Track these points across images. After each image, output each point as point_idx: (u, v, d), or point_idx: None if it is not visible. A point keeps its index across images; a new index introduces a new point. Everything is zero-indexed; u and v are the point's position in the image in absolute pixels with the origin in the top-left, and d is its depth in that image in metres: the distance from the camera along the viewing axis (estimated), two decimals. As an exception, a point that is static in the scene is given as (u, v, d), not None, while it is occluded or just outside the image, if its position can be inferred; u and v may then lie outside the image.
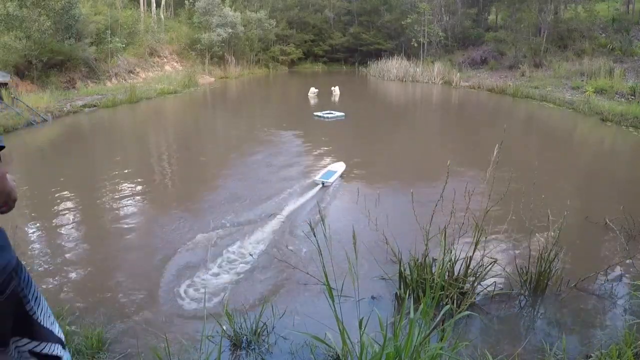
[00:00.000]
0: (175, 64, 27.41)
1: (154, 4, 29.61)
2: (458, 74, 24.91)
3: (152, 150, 10.94)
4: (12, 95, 13.60)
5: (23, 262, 1.50)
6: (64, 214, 6.14)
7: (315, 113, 14.70)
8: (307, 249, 4.82)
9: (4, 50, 15.89)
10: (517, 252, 4.95)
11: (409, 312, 2.91)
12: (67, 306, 3.79)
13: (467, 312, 3.26)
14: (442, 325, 3.17)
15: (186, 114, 17.53)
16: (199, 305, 3.94)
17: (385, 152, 10.01)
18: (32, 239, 5.35)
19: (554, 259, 4.12)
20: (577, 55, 21.67)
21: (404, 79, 27.83)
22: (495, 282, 4.23)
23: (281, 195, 6.96)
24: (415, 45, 30.13)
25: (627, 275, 4.55)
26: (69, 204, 6.54)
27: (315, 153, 9.74)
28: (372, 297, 4.10)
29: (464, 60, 27.61)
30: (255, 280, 4.46)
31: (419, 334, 2.71)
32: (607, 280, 4.42)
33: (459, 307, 3.62)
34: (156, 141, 12.28)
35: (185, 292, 4.26)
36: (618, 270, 4.59)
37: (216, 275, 4.51)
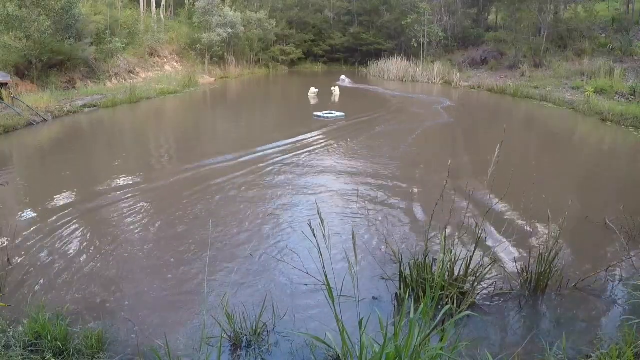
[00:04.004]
0: (175, 64, 27.40)
1: (154, 4, 29.60)
2: (458, 74, 24.91)
3: (152, 150, 10.94)
4: (12, 95, 13.58)
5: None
6: (64, 214, 6.13)
7: (315, 113, 14.70)
8: (307, 249, 4.82)
9: (4, 50, 15.87)
10: (517, 252, 4.95)
11: (409, 312, 2.91)
12: (67, 306, 3.79)
13: (467, 312, 3.27)
14: (442, 325, 3.17)
15: (186, 114, 17.53)
16: (199, 305, 3.94)
17: (385, 151, 10.00)
18: (31, 238, 5.34)
19: (554, 259, 4.12)
20: (577, 55, 21.68)
21: (404, 79, 27.84)
22: (495, 282, 4.23)
23: (280, 195, 6.98)
24: (415, 45, 30.13)
25: (627, 275, 4.55)
26: (69, 204, 6.54)
27: (313, 153, 9.75)
28: (373, 298, 4.09)
29: (464, 60, 27.62)
30: (255, 280, 4.46)
31: (419, 334, 2.71)
32: (607, 280, 4.42)
33: (459, 307, 3.62)
34: (156, 141, 12.28)
35: (185, 292, 4.26)
36: (618, 270, 4.59)
37: (216, 275, 4.51)
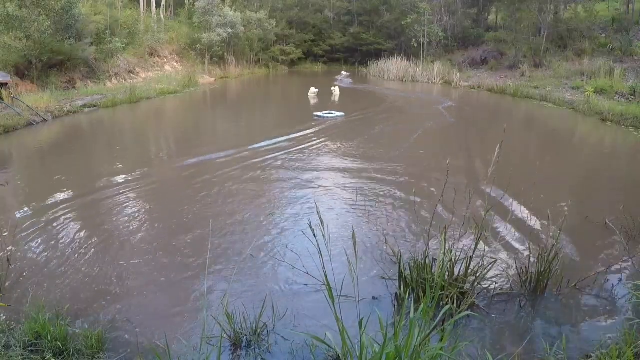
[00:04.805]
0: (175, 64, 27.39)
1: (154, 4, 29.60)
2: (458, 74, 24.91)
3: (152, 150, 10.94)
4: (12, 95, 13.58)
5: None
6: (64, 214, 6.14)
7: (315, 113, 14.71)
8: (307, 248, 4.82)
9: (4, 50, 15.87)
10: (517, 252, 4.95)
11: (409, 312, 2.91)
12: (67, 306, 3.79)
13: (467, 312, 3.27)
14: (442, 325, 3.17)
15: (186, 114, 17.53)
16: (199, 305, 3.94)
17: (386, 151, 10.00)
18: (32, 239, 5.35)
19: (554, 259, 4.12)
20: (577, 55, 21.68)
21: (404, 79, 27.84)
22: (495, 282, 4.23)
23: (278, 195, 6.98)
24: (415, 45, 30.13)
25: (627, 275, 4.55)
26: (69, 204, 6.54)
27: (313, 151, 9.76)
28: (373, 298, 4.09)
29: (464, 60, 27.61)
30: (255, 280, 4.46)
31: (419, 334, 2.71)
32: (607, 280, 4.42)
33: (459, 307, 3.62)
34: (156, 141, 12.28)
35: (185, 292, 4.26)
36: (618, 270, 4.59)
37: (216, 274, 4.51)
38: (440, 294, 3.64)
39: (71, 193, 7.10)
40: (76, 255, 4.93)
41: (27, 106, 13.11)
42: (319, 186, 7.43)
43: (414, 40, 30.12)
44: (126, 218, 6.08)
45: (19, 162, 9.56)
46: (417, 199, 6.74)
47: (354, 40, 38.11)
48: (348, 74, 30.05)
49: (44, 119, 13.07)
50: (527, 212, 5.95)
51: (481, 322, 3.78)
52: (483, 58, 26.80)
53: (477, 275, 3.98)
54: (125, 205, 6.60)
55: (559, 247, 4.21)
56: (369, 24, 38.23)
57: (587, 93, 15.75)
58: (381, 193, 7.09)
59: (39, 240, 5.33)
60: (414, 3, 30.95)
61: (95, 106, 15.79)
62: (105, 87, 19.18)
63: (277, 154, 9.54)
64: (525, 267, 4.23)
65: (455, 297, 3.80)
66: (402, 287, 3.98)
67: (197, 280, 4.41)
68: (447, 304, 3.58)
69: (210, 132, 13.67)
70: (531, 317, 3.95)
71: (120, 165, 8.77)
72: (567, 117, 14.92)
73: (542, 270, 4.10)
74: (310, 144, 10.63)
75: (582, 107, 14.87)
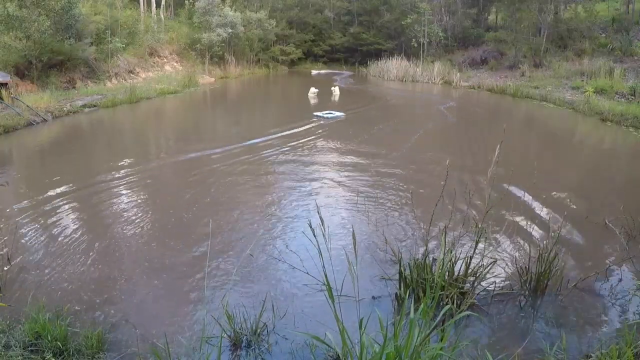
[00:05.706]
0: (175, 64, 27.37)
1: (154, 4, 29.58)
2: (458, 74, 24.90)
3: (152, 150, 10.94)
4: (12, 95, 13.57)
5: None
6: (64, 214, 6.14)
7: (315, 113, 14.72)
8: (307, 248, 4.82)
9: (4, 50, 15.86)
10: (517, 252, 4.95)
11: (409, 312, 2.91)
12: (67, 306, 3.79)
13: (467, 312, 3.27)
14: (442, 325, 3.17)
15: (186, 114, 17.52)
16: (199, 305, 3.94)
17: (385, 151, 10.00)
18: (32, 239, 5.35)
19: (554, 259, 4.12)
20: (577, 55, 21.67)
21: (404, 79, 27.83)
22: (495, 282, 4.23)
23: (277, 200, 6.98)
24: (415, 45, 30.10)
25: (627, 275, 4.55)
26: (69, 204, 6.54)
27: (313, 151, 9.76)
28: (373, 297, 4.09)
29: (464, 60, 27.60)
30: (255, 280, 4.46)
31: (419, 334, 2.71)
32: (607, 280, 4.43)
33: (459, 307, 3.62)
34: (156, 141, 12.28)
35: (185, 292, 4.26)
36: (618, 270, 4.59)
37: (216, 275, 4.51)
38: (440, 294, 3.65)
39: (71, 193, 7.10)
40: (76, 255, 4.93)
41: (27, 106, 13.10)
42: (319, 186, 7.43)
43: (414, 40, 30.08)
44: (126, 218, 6.08)
45: (19, 162, 9.55)
46: (417, 199, 6.74)
47: (354, 40, 38.06)
48: (318, 72, 30.84)
49: (44, 119, 13.07)
50: (527, 211, 5.95)
51: (481, 322, 3.78)
52: (483, 58, 26.78)
53: (477, 275, 3.98)
54: (125, 204, 6.60)
55: (559, 247, 4.21)
56: (369, 24, 38.18)
57: (587, 93, 15.75)
58: (381, 193, 7.09)
59: (39, 240, 5.33)
60: (414, 3, 30.90)
61: (95, 106, 15.78)
62: (105, 87, 19.17)
63: (277, 154, 9.54)
64: (525, 267, 4.23)
65: (455, 297, 3.81)
66: (402, 287, 3.98)
67: (197, 280, 4.40)
68: (447, 304, 3.58)
69: (210, 132, 13.67)
70: (531, 317, 3.95)
71: (120, 165, 8.76)
72: (567, 117, 14.92)
73: (542, 270, 4.10)
74: (310, 144, 10.63)
75: (582, 107, 14.87)
